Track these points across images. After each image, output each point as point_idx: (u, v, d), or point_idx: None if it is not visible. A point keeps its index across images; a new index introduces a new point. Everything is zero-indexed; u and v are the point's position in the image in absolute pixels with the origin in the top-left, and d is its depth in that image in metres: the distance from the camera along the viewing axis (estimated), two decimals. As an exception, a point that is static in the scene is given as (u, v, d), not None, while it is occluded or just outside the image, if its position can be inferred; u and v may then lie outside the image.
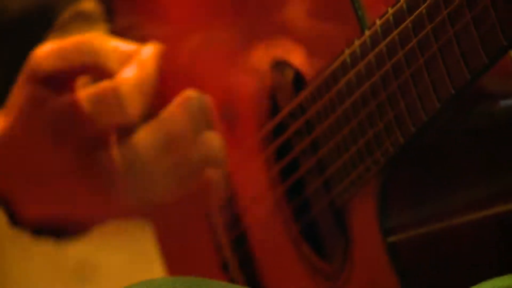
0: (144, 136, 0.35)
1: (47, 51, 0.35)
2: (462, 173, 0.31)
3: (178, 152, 0.35)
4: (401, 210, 0.32)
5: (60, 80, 0.34)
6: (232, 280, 0.43)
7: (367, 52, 0.30)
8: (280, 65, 0.38)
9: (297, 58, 0.36)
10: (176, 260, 0.40)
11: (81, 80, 0.35)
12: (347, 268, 0.35)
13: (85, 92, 0.34)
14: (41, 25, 0.48)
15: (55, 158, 0.36)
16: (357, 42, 0.30)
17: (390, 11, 0.28)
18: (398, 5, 0.27)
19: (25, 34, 0.50)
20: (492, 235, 0.30)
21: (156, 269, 0.48)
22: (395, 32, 0.28)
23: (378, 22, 0.29)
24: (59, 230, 0.41)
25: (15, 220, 0.41)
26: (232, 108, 0.42)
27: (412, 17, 0.27)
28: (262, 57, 0.39)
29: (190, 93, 0.36)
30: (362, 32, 0.30)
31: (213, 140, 0.36)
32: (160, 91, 0.38)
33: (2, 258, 1.57)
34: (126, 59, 0.34)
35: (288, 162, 0.38)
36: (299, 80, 0.36)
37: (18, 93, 0.36)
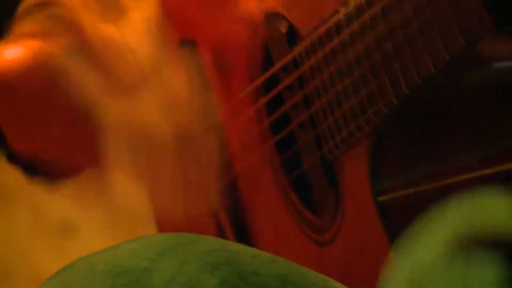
0: (145, 96, 0.35)
1: None
2: (454, 135, 0.32)
3: (178, 114, 0.35)
4: (392, 170, 0.33)
5: None
6: (219, 226, 0.44)
7: (362, 11, 0.29)
8: (273, 17, 0.37)
9: (290, 12, 0.36)
10: (164, 208, 0.41)
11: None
12: (337, 222, 0.36)
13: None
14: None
15: (57, 101, 0.37)
16: (352, 1, 0.30)
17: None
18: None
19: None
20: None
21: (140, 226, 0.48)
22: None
23: None
24: (48, 170, 0.42)
25: (9, 154, 0.42)
26: (224, 57, 0.42)
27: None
28: (255, 7, 0.38)
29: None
30: None
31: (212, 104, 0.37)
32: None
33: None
34: None
35: (279, 116, 0.38)
36: (293, 34, 0.36)
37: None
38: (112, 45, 0.36)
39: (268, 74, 0.37)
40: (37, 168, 0.41)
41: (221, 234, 0.43)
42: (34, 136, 0.41)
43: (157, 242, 0.29)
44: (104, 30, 0.36)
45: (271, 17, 0.37)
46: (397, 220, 0.32)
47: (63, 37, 0.37)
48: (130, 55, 0.36)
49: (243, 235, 0.44)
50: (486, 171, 0.30)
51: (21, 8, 0.47)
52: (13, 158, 0.42)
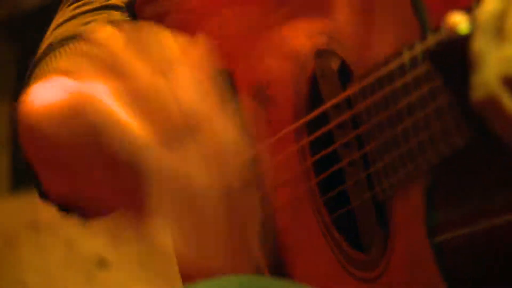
0: (191, 148, 0.35)
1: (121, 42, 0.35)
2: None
3: (223, 167, 0.35)
4: (447, 208, 0.32)
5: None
6: (256, 265, 0.43)
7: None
8: (324, 53, 0.37)
9: (342, 49, 0.35)
10: (202, 257, 0.40)
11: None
12: (385, 260, 0.35)
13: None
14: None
15: (96, 148, 0.36)
16: (418, 46, 0.29)
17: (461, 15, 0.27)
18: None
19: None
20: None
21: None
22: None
23: (445, 26, 0.27)
24: (82, 209, 0.42)
25: (41, 192, 0.42)
26: (266, 91, 0.42)
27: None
28: (304, 42, 0.38)
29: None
30: (423, 36, 0.29)
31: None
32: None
33: (19, 252, 1.64)
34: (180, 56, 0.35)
35: (326, 153, 0.37)
36: (344, 71, 0.35)
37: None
38: (159, 94, 0.35)
39: (319, 111, 0.37)
40: (70, 206, 0.42)
41: (257, 270, 0.42)
42: (69, 180, 0.40)
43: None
44: (150, 77, 0.36)
45: (321, 53, 0.37)
46: (453, 260, 0.32)
47: (104, 81, 0.36)
48: (176, 105, 0.35)
49: (280, 273, 0.43)
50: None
51: (53, 37, 0.49)
52: (45, 196, 0.42)
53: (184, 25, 0.45)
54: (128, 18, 0.49)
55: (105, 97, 0.36)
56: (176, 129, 0.34)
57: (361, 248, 0.38)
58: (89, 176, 0.39)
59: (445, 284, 0.31)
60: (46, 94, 0.39)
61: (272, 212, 0.42)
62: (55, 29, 0.50)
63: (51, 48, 0.46)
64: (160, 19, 0.46)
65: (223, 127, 0.35)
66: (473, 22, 0.26)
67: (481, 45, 0.25)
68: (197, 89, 0.35)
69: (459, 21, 0.26)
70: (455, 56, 0.27)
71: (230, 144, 0.35)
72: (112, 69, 0.36)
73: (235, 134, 0.35)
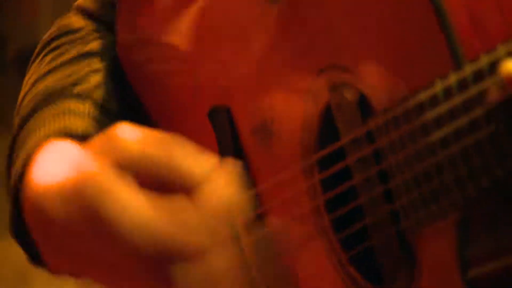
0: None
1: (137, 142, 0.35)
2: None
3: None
4: (478, 243, 0.32)
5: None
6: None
7: (467, 87, 0.29)
8: (340, 87, 0.36)
9: (362, 81, 0.35)
10: None
11: None
12: None
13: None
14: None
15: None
16: (453, 76, 0.29)
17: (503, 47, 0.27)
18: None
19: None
20: None
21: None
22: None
23: (484, 57, 0.28)
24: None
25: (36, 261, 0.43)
26: (269, 123, 0.40)
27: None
28: (316, 77, 0.37)
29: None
30: (458, 65, 0.29)
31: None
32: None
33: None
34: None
35: (341, 189, 0.36)
36: (364, 104, 0.35)
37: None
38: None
39: (336, 145, 0.36)
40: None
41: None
42: (72, 262, 0.40)
43: None
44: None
45: (337, 87, 0.36)
46: None
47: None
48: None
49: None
50: None
51: (34, 95, 0.47)
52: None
53: (175, 73, 0.46)
54: (108, 65, 0.47)
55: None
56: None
57: (381, 285, 0.36)
58: (94, 263, 0.39)
59: None
60: (50, 170, 0.38)
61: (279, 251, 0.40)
62: (33, 85, 0.46)
63: (36, 107, 0.45)
64: (147, 65, 0.44)
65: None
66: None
67: None
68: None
69: None
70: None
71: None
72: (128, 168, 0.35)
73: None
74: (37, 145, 0.41)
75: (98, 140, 0.36)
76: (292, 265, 0.40)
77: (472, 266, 0.31)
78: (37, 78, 0.47)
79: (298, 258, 0.40)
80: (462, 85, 0.29)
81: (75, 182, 0.35)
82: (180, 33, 0.43)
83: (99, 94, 0.46)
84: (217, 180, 0.35)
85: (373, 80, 0.34)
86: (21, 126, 0.45)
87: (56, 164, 0.38)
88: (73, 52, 0.47)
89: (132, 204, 0.34)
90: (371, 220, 0.35)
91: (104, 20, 0.49)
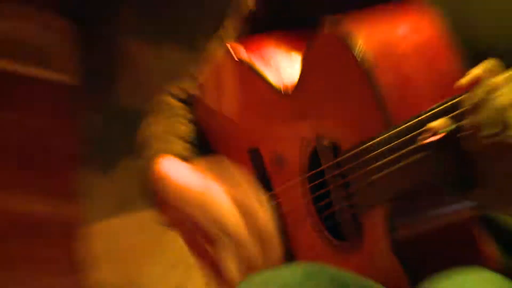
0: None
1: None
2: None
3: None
4: (399, 220, 0.60)
5: None
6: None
7: (391, 141, 0.58)
8: (321, 138, 0.68)
9: (332, 134, 0.67)
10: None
11: None
12: (355, 247, 0.65)
13: None
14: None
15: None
16: (383, 135, 0.58)
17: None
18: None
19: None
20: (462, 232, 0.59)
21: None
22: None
23: (403, 124, 0.58)
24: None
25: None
26: (282, 156, 0.72)
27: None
28: (309, 130, 0.69)
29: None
30: (387, 128, 0.58)
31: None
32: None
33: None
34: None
35: (324, 194, 0.68)
36: (335, 148, 0.67)
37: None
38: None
39: (319, 169, 0.68)
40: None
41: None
42: (171, 218, 0.78)
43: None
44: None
45: (320, 138, 0.68)
46: (403, 249, 0.60)
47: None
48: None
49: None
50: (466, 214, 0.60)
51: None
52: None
53: (229, 129, 0.80)
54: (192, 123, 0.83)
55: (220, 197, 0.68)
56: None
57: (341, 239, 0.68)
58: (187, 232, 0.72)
59: (406, 276, 0.58)
60: (182, 174, 0.72)
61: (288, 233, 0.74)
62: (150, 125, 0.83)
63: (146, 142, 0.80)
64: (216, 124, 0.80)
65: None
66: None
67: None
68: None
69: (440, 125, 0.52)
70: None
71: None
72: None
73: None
74: (157, 153, 0.76)
75: (206, 163, 0.70)
76: (295, 232, 0.72)
77: (394, 233, 0.58)
78: (152, 121, 0.82)
79: (298, 228, 0.72)
80: (388, 140, 0.58)
81: (200, 185, 0.68)
82: (232, 109, 0.77)
83: (188, 135, 0.80)
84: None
85: (339, 135, 0.66)
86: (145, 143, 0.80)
87: (179, 169, 0.73)
88: (171, 114, 0.81)
89: (229, 209, 0.66)
90: (338, 207, 0.67)
91: (188, 102, 0.84)
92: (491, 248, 0.60)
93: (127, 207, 2.14)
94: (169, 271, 2.07)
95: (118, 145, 2.16)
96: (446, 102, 0.53)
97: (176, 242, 0.79)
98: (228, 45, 0.77)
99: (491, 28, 0.62)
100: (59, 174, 2.27)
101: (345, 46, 0.59)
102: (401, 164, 0.57)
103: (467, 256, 0.60)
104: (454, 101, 0.53)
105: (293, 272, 0.59)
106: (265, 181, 0.76)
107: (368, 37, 0.59)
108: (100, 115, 2.31)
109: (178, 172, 0.73)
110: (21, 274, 2.08)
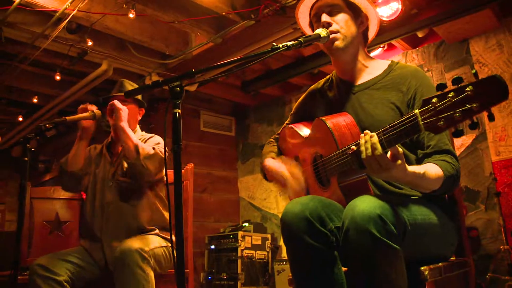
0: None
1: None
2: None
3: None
4: (342, 178, 1.97)
5: None
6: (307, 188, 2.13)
7: (341, 153, 1.93)
8: (317, 154, 2.05)
9: (321, 150, 2.03)
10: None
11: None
12: (328, 189, 2.03)
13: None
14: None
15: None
16: (337, 151, 1.94)
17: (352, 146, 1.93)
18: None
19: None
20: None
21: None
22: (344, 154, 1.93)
23: (343, 148, 1.93)
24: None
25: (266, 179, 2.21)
26: (304, 158, 2.11)
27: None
28: (313, 150, 2.06)
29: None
30: (337, 149, 1.95)
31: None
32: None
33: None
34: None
35: (318, 170, 2.05)
36: (321, 156, 2.03)
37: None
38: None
39: (315, 162, 2.05)
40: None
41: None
42: (272, 178, 2.26)
43: (306, 199, 2.00)
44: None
45: (316, 155, 2.05)
46: (345, 189, 1.95)
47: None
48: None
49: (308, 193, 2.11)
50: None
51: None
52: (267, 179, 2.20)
53: (288, 148, 2.24)
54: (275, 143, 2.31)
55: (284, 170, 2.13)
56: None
57: (323, 185, 2.04)
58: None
59: (345, 200, 1.92)
60: (272, 163, 2.25)
61: (307, 183, 2.11)
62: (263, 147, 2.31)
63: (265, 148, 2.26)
64: (283, 146, 2.23)
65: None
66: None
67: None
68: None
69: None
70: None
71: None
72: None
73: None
74: (266, 155, 2.24)
75: (281, 159, 2.17)
76: (309, 183, 2.11)
77: (340, 183, 1.93)
78: (265, 147, 2.37)
79: (309, 181, 2.12)
80: (340, 151, 1.94)
81: (277, 166, 2.15)
82: (292, 143, 2.20)
83: (276, 151, 2.31)
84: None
85: (322, 152, 2.02)
86: (262, 155, 2.32)
87: (271, 161, 2.19)
88: (271, 144, 2.33)
89: (287, 174, 2.12)
90: (322, 174, 2.03)
91: (275, 139, 2.43)
92: (372, 190, 1.94)
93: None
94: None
95: (254, 153, 5.49)
96: (354, 142, 1.88)
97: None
98: (289, 125, 2.20)
99: (370, 122, 1.98)
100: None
101: (323, 123, 1.96)
102: (341, 160, 1.92)
103: (365, 191, 1.93)
104: (356, 142, 1.87)
105: (306, 198, 1.91)
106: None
107: (330, 121, 1.96)
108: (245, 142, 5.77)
109: (268, 162, 2.16)
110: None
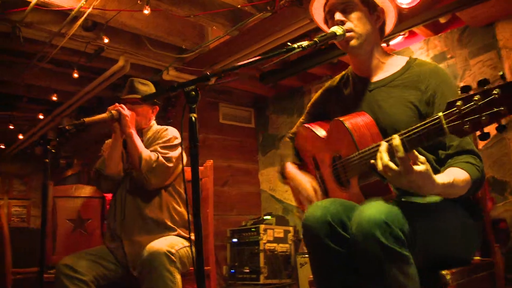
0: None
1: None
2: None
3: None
4: (363, 179, 1.91)
5: None
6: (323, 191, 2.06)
7: (361, 155, 1.85)
8: (335, 152, 1.98)
9: (339, 152, 1.96)
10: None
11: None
12: (348, 189, 1.96)
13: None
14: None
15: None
16: (356, 152, 1.88)
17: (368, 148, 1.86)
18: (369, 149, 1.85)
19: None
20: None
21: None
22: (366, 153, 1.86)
23: (362, 150, 1.86)
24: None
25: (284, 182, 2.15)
26: (323, 159, 2.05)
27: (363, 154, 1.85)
28: (331, 150, 2.00)
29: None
30: (357, 150, 1.88)
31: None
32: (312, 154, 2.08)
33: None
34: None
35: (337, 170, 1.99)
36: (340, 157, 1.96)
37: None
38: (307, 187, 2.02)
39: (336, 165, 1.98)
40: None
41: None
42: (292, 189, 2.20)
43: (326, 202, 1.93)
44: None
45: (336, 156, 1.98)
46: (366, 191, 1.88)
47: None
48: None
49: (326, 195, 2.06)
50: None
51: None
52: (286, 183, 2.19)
53: (306, 148, 2.17)
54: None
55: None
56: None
57: (343, 186, 1.98)
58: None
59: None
60: (291, 169, 2.23)
61: (325, 186, 2.05)
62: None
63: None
64: (299, 145, 2.17)
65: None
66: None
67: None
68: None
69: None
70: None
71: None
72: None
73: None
74: (285, 161, 2.22)
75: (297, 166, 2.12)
76: (328, 185, 2.05)
77: (360, 183, 1.87)
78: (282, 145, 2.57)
79: (328, 183, 2.06)
80: (358, 155, 1.87)
81: (296, 173, 2.12)
82: (309, 143, 2.14)
83: (293, 151, 2.29)
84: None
85: (341, 152, 1.95)
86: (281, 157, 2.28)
87: (290, 167, 2.17)
88: (287, 142, 2.29)
89: (305, 183, 2.08)
90: (342, 175, 1.96)
91: (292, 138, 2.40)
92: (394, 191, 1.86)
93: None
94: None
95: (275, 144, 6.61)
96: (376, 145, 1.81)
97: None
98: (305, 125, 2.15)
99: (387, 121, 1.90)
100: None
101: (341, 124, 1.89)
102: (361, 163, 1.84)
103: (386, 191, 1.86)
104: (375, 145, 1.79)
105: (327, 201, 1.85)
106: (317, 168, 2.10)
107: (349, 121, 1.88)
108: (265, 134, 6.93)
109: (290, 168, 2.12)
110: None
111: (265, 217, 6.05)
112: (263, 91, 6.77)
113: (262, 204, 6.93)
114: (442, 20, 4.91)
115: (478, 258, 2.08)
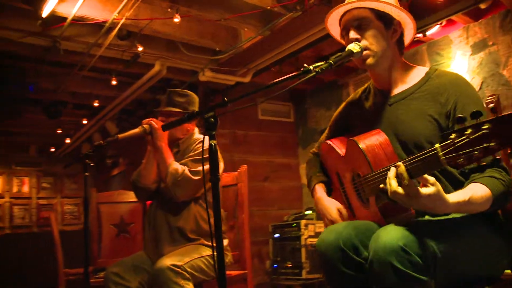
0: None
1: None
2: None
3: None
4: (380, 199, 1.90)
5: None
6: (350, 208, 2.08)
7: (376, 176, 1.85)
8: (354, 170, 1.98)
9: (358, 171, 1.96)
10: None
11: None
12: (368, 206, 1.96)
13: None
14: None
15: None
16: (371, 174, 1.87)
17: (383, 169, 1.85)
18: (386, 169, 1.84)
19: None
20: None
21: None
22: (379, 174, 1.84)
23: (376, 171, 1.85)
24: None
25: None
26: (344, 175, 2.06)
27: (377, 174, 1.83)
28: (351, 168, 1.99)
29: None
30: (372, 171, 1.87)
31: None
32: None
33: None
34: None
35: (357, 188, 1.99)
36: (358, 175, 1.96)
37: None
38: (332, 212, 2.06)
39: (356, 182, 1.98)
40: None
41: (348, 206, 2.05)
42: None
43: (340, 226, 1.97)
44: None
45: (355, 174, 1.98)
46: (384, 210, 1.88)
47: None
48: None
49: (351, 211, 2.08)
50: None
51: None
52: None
53: (329, 163, 2.21)
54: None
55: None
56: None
57: (364, 203, 1.98)
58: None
59: (383, 220, 1.84)
60: (319, 192, 2.27)
61: (349, 202, 2.06)
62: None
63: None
64: (323, 160, 2.24)
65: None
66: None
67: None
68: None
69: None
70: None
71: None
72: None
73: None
74: (312, 179, 2.27)
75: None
76: (351, 201, 2.06)
77: (378, 203, 1.86)
78: (308, 161, 2.44)
79: (352, 199, 2.07)
80: (374, 175, 1.85)
81: (323, 197, 2.18)
82: (331, 160, 2.16)
83: (318, 167, 2.30)
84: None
85: (359, 171, 1.94)
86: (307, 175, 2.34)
87: (319, 191, 2.22)
88: (312, 158, 2.35)
89: (329, 208, 2.11)
90: (362, 193, 1.96)
91: (316, 153, 2.39)
92: (413, 211, 1.84)
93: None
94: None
95: (314, 138, 6.83)
96: (390, 165, 1.80)
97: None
98: (327, 142, 2.16)
99: (409, 134, 1.87)
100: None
101: (356, 144, 1.89)
102: (376, 183, 1.83)
103: (404, 211, 1.84)
104: (390, 165, 1.78)
105: (340, 225, 1.85)
106: (340, 183, 2.12)
107: (363, 142, 1.88)
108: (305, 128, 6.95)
109: (318, 192, 2.15)
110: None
111: (306, 212, 6.06)
112: (301, 85, 6.74)
113: (304, 198, 6.94)
114: (482, 6, 4.71)
115: (510, 271, 2.02)
